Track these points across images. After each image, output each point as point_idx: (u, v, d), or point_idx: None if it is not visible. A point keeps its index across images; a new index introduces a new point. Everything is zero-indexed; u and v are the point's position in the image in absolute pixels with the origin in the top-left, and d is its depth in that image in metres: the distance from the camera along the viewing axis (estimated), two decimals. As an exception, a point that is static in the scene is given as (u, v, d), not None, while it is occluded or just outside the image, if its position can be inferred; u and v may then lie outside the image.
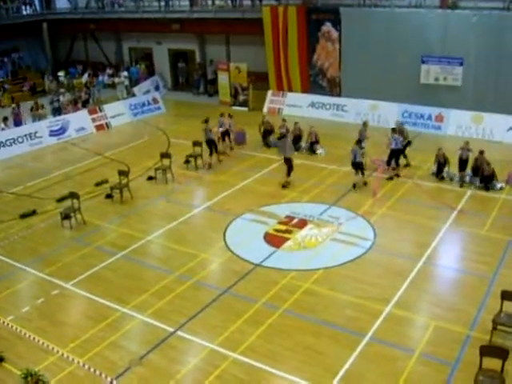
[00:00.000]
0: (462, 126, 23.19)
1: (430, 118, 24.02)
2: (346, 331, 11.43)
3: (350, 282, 13.22)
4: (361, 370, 10.32)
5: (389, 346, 10.85)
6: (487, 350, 9.63)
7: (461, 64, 22.98)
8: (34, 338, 11.69)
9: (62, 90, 30.39)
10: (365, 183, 18.22)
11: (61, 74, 33.62)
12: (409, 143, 19.51)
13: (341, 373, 10.29)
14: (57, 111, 27.72)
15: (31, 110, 27.21)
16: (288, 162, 18.25)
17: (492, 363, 9.50)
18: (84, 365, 10.79)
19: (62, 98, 28.87)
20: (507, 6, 22.22)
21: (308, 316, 12.00)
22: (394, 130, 19.16)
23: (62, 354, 11.15)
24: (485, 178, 17.59)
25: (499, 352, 9.54)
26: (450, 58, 23.13)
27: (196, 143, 21.02)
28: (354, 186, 17.96)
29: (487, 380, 9.28)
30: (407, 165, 19.50)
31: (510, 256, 13.88)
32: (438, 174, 18.30)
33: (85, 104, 29.51)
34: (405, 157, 19.48)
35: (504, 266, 13.48)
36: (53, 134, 25.41)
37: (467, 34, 22.46)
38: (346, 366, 10.45)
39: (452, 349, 10.75)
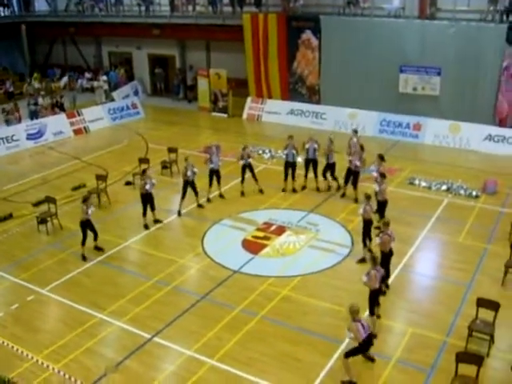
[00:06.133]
0: (439, 135, 23.46)
1: (408, 126, 24.26)
2: (324, 338, 11.46)
3: (327, 289, 13.26)
4: (338, 377, 10.32)
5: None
6: (463, 357, 9.73)
7: (438, 74, 23.24)
8: (8, 345, 11.53)
9: (42, 93, 30.09)
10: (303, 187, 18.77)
11: (35, 76, 33.03)
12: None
13: (318, 380, 10.31)
14: (34, 114, 27.43)
15: (7, 113, 26.84)
16: None
17: (467, 370, 9.60)
18: (59, 371, 10.66)
19: (40, 101, 28.57)
20: (484, 18, 22.60)
21: (286, 323, 12.00)
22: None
23: (37, 361, 11.01)
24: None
25: (475, 358, 9.65)
26: (427, 67, 23.39)
27: (171, 149, 20.95)
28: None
29: (463, 386, 9.38)
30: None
31: (486, 263, 14.06)
32: None
33: (61, 108, 29.20)
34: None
35: (480, 273, 13.65)
36: (30, 137, 25.16)
37: (445, 44, 22.73)
38: (324, 373, 10.47)
39: (428, 355, 10.84)
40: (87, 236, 14.90)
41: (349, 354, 10.17)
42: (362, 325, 9.94)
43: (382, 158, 16.36)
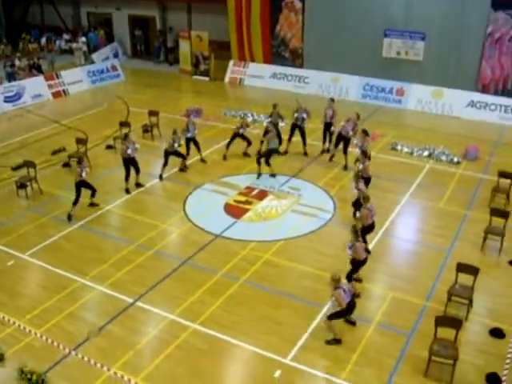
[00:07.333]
0: (422, 100, 23.46)
1: (391, 91, 24.20)
2: (305, 302, 11.55)
3: (309, 254, 13.32)
4: (319, 340, 10.45)
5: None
6: (442, 320, 9.88)
7: (423, 39, 23.16)
8: (-12, 309, 11.47)
9: (18, 55, 29.40)
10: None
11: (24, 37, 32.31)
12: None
13: (299, 343, 10.41)
14: (10, 76, 26.83)
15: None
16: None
17: (446, 333, 9.75)
18: (41, 336, 10.63)
19: (17, 63, 27.91)
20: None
21: (268, 287, 12.07)
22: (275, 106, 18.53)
23: (19, 326, 10.94)
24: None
25: (453, 322, 9.80)
26: (412, 32, 23.26)
27: (152, 113, 20.70)
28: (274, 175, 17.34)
29: (441, 349, 9.54)
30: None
31: (466, 229, 14.22)
32: None
33: (38, 69, 28.57)
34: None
35: (459, 238, 13.81)
36: (8, 100, 24.61)
37: (430, 9, 22.60)
38: (305, 336, 10.57)
39: (408, 319, 10.99)
40: (80, 196, 15.00)
41: (332, 316, 10.30)
42: (344, 290, 10.05)
43: (366, 132, 16.24)
